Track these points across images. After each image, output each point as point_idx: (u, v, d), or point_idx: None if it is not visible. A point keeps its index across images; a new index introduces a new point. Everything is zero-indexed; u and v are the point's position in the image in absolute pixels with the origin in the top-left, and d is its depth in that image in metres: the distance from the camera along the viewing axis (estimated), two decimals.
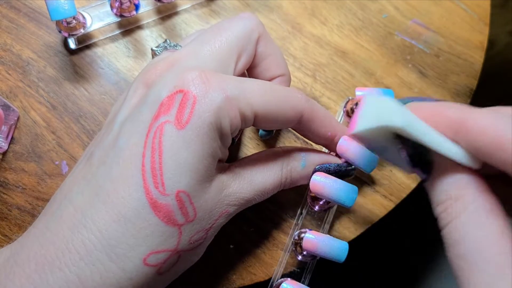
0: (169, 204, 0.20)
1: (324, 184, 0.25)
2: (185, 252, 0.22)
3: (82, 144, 0.29)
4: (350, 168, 0.26)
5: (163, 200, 0.20)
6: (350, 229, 0.29)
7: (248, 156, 0.25)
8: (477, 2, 0.35)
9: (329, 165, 0.26)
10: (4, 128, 0.28)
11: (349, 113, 0.30)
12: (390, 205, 0.30)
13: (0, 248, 0.22)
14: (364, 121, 0.17)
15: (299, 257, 0.27)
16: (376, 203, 0.30)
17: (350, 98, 0.30)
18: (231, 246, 0.28)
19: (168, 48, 0.27)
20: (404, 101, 0.19)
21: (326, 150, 0.28)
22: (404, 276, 0.45)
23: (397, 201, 0.30)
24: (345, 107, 0.30)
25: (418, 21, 0.35)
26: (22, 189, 0.28)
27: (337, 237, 0.29)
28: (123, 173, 0.20)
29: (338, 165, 0.26)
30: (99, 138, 0.23)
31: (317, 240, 0.25)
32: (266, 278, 0.28)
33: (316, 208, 0.28)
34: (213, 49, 0.23)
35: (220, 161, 0.22)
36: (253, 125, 0.23)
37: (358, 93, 0.29)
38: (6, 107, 0.28)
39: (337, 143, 0.25)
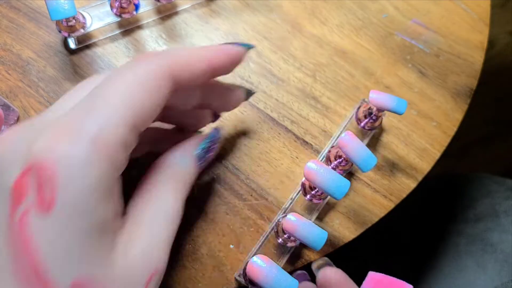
0: None
1: (317, 172, 0.24)
2: None
3: None
4: (216, 133, 0.25)
5: None
6: (350, 229, 0.29)
7: (135, 196, 0.22)
8: (477, 2, 0.35)
9: (203, 145, 0.24)
10: (4, 128, 0.28)
11: (360, 121, 0.30)
12: (390, 205, 0.30)
13: None
14: None
15: (279, 240, 0.28)
16: (376, 203, 0.30)
17: (364, 101, 0.30)
18: (231, 246, 0.28)
19: None
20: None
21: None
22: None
23: (397, 201, 0.30)
24: (357, 111, 0.30)
25: (418, 21, 0.35)
26: None
27: (337, 237, 0.29)
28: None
29: (207, 138, 0.24)
30: None
31: (297, 223, 0.25)
32: None
33: (307, 197, 0.28)
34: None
35: (114, 218, 0.18)
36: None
37: (372, 95, 0.28)
38: (6, 107, 0.28)
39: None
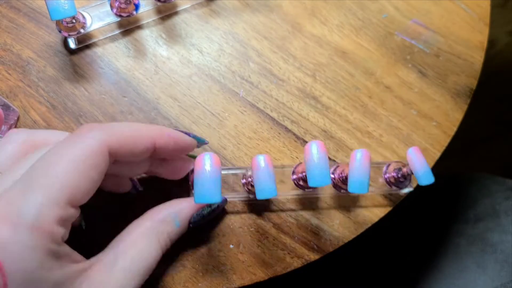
0: None
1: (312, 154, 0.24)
2: None
3: None
4: (221, 204, 0.27)
5: None
6: (350, 229, 0.29)
7: (116, 241, 0.23)
8: (477, 2, 0.35)
9: (202, 212, 0.26)
10: (4, 128, 0.28)
11: (391, 183, 0.29)
12: (390, 205, 0.30)
13: None
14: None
15: (243, 180, 0.28)
16: (376, 203, 0.30)
17: (389, 164, 0.30)
18: (231, 246, 0.28)
19: None
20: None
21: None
22: (404, 276, 0.45)
23: (397, 201, 0.30)
24: (385, 174, 0.30)
25: (418, 21, 0.35)
26: None
27: (337, 237, 0.29)
28: None
29: (209, 207, 0.26)
30: None
31: (262, 168, 0.24)
32: (266, 278, 0.28)
33: (293, 177, 0.28)
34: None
35: (71, 275, 0.20)
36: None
37: (410, 152, 0.27)
38: (6, 107, 0.28)
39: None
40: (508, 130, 0.92)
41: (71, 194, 0.19)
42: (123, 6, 0.30)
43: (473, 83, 0.34)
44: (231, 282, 0.28)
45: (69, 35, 0.29)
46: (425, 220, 0.48)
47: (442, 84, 0.33)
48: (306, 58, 0.33)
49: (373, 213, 0.30)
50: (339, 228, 0.29)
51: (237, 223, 0.29)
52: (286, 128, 0.31)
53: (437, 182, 0.53)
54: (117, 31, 0.32)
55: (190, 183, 0.28)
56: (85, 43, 0.31)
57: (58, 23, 0.29)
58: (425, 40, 0.34)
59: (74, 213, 0.20)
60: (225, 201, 0.28)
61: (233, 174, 0.29)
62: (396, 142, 0.32)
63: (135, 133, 0.22)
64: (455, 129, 0.32)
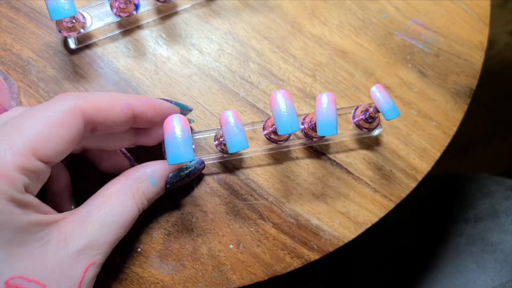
0: None
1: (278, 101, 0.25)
2: None
3: None
4: (198, 167, 0.27)
5: None
6: (350, 229, 0.29)
7: (93, 197, 0.24)
8: (477, 2, 0.35)
9: (178, 173, 0.26)
10: (13, 103, 0.28)
11: (361, 126, 0.30)
12: (390, 205, 0.30)
13: None
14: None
15: (215, 142, 0.28)
16: (376, 203, 0.30)
17: (358, 106, 0.30)
18: (231, 246, 0.28)
19: None
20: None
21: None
22: (404, 276, 0.45)
23: (397, 201, 0.30)
24: (354, 118, 0.30)
25: (418, 21, 0.35)
26: None
27: (337, 237, 0.29)
28: None
29: (186, 168, 0.27)
30: None
31: (230, 123, 0.25)
32: (266, 278, 0.28)
33: (264, 132, 0.29)
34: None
35: (38, 223, 0.21)
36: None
37: (373, 89, 0.28)
38: (8, 82, 0.28)
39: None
40: (508, 130, 0.92)
41: (36, 145, 0.20)
42: (123, 6, 0.30)
43: (473, 83, 0.34)
44: (231, 282, 0.28)
45: (69, 35, 0.29)
46: (425, 219, 0.48)
47: (442, 84, 0.33)
48: (306, 58, 0.33)
49: (373, 213, 0.30)
50: (339, 228, 0.29)
51: (237, 223, 0.29)
52: None
53: (437, 182, 0.53)
54: (117, 31, 0.32)
55: (163, 150, 0.28)
56: (85, 43, 0.31)
57: (58, 23, 0.29)
58: (425, 40, 0.34)
59: (41, 167, 0.20)
60: (202, 163, 0.28)
61: (205, 137, 0.29)
62: (396, 142, 0.32)
63: (110, 99, 0.23)
64: (455, 129, 0.32)
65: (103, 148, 0.26)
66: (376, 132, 0.31)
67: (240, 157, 0.30)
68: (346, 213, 0.30)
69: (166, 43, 0.32)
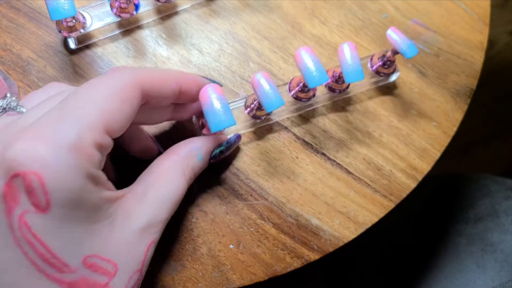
0: (82, 275, 0.19)
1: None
2: None
3: None
4: (236, 138, 0.28)
5: (75, 276, 0.19)
6: (350, 229, 0.29)
7: (144, 174, 0.24)
8: (477, 2, 0.35)
9: (221, 147, 0.27)
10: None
11: (380, 72, 0.32)
12: (390, 205, 0.30)
13: None
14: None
15: (247, 110, 0.29)
16: (376, 203, 0.30)
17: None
18: (231, 246, 0.28)
19: (7, 109, 0.23)
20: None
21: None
22: (404, 276, 0.45)
23: (397, 201, 0.30)
24: (372, 67, 0.32)
25: (418, 21, 0.35)
26: None
27: (337, 237, 0.29)
28: (18, 277, 0.18)
29: (226, 142, 0.28)
30: None
31: (264, 83, 0.25)
32: (266, 278, 0.28)
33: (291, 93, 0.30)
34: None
35: (108, 199, 0.21)
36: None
37: (389, 31, 0.29)
38: (8, 82, 0.29)
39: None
40: (508, 130, 0.92)
41: (107, 121, 0.20)
42: (123, 6, 0.30)
43: (473, 83, 0.34)
44: (231, 282, 0.28)
45: (69, 35, 0.29)
46: (425, 219, 0.48)
47: (442, 84, 0.33)
48: None
49: (373, 213, 0.30)
50: (339, 228, 0.29)
51: (237, 223, 0.29)
52: (286, 128, 0.31)
53: (437, 182, 0.53)
54: (117, 31, 0.32)
55: (197, 126, 0.29)
56: (85, 43, 0.31)
57: (58, 23, 0.29)
58: (425, 40, 0.34)
59: (109, 142, 0.20)
60: (238, 136, 0.28)
61: (235, 108, 0.30)
62: (396, 142, 0.32)
63: (162, 75, 0.23)
64: (455, 129, 0.32)
65: (144, 123, 0.26)
66: (393, 78, 0.32)
67: (269, 122, 0.31)
68: (346, 213, 0.30)
69: (166, 43, 0.32)
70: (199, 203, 0.29)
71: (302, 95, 0.30)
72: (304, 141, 0.31)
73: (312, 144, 0.31)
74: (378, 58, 0.31)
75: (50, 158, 0.18)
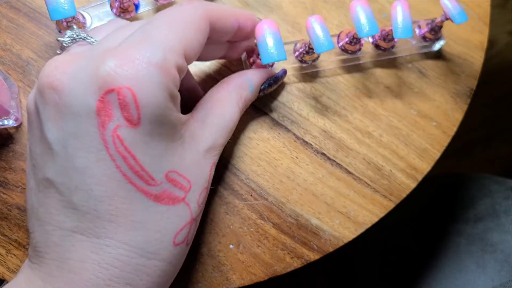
0: (165, 188, 0.21)
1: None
2: (198, 216, 0.24)
3: None
4: (283, 73, 0.30)
5: (159, 189, 0.21)
6: (350, 229, 0.29)
7: (202, 101, 0.26)
8: (477, 2, 0.35)
9: (270, 80, 0.29)
10: (13, 103, 0.28)
11: (426, 37, 0.33)
12: (390, 205, 0.30)
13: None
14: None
15: (295, 53, 0.31)
16: (376, 203, 0.30)
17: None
18: (231, 246, 0.28)
19: (77, 39, 0.24)
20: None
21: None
22: (404, 276, 0.45)
23: (397, 201, 0.30)
24: (420, 32, 0.33)
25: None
26: (22, 189, 0.28)
27: (337, 237, 0.29)
28: (109, 190, 0.20)
29: (275, 76, 0.29)
30: (40, 160, 0.21)
31: (315, 25, 0.27)
32: (266, 278, 0.28)
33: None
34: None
35: (181, 120, 0.23)
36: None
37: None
38: (8, 83, 0.29)
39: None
40: (508, 130, 0.92)
41: (186, 46, 0.21)
42: (126, 4, 0.30)
43: (473, 83, 0.34)
44: (231, 282, 0.28)
45: None
46: (425, 219, 0.48)
47: (442, 84, 0.33)
48: None
49: (373, 213, 0.30)
50: (339, 228, 0.29)
51: (237, 223, 0.29)
52: (286, 128, 0.31)
53: (437, 182, 0.53)
54: None
55: (247, 63, 0.31)
56: None
57: (58, 23, 0.29)
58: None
59: (186, 67, 0.22)
60: (285, 71, 0.30)
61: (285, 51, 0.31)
62: (396, 142, 0.32)
63: (226, 12, 0.25)
64: (455, 129, 0.32)
65: (201, 58, 0.27)
66: (437, 46, 0.33)
67: (316, 69, 0.32)
68: (346, 213, 0.30)
69: None
70: None
71: (349, 47, 0.31)
72: (304, 141, 0.31)
73: (312, 144, 0.31)
74: (427, 24, 0.32)
75: (141, 75, 0.19)
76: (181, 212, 0.22)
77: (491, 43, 0.87)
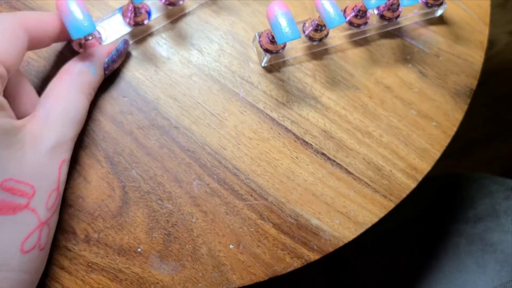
0: (3, 198, 0.21)
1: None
2: (51, 218, 0.23)
3: (82, 143, 0.29)
4: (123, 44, 0.29)
5: None
6: (350, 229, 0.29)
7: (43, 97, 0.25)
8: (477, 2, 0.35)
9: (111, 56, 0.28)
10: None
11: (428, 3, 0.33)
12: (390, 205, 0.30)
13: None
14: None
15: (305, 32, 0.31)
16: (376, 203, 0.30)
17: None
18: (231, 246, 0.28)
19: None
20: None
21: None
22: (404, 276, 0.45)
23: (397, 201, 0.30)
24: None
25: (418, 21, 0.35)
26: None
27: (337, 237, 0.29)
28: None
29: (116, 50, 0.28)
30: None
31: (324, 4, 0.27)
32: (266, 278, 0.28)
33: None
34: None
35: (15, 125, 0.22)
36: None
37: None
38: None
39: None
40: (508, 130, 0.92)
41: (1, 53, 0.21)
42: (137, 14, 0.29)
43: (473, 83, 0.34)
44: (231, 282, 0.28)
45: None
46: (425, 219, 0.48)
47: (442, 84, 0.33)
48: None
49: (373, 213, 0.30)
50: (339, 228, 0.29)
51: (237, 223, 0.29)
52: (286, 128, 0.31)
53: (437, 182, 0.53)
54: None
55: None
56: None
57: (75, 41, 0.28)
58: (425, 40, 0.34)
59: (5, 74, 0.22)
60: (126, 42, 0.29)
61: None
62: (396, 142, 0.32)
63: (41, 16, 0.25)
64: (455, 129, 0.32)
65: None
66: (439, 12, 0.34)
67: (324, 47, 0.33)
68: (346, 213, 0.30)
69: (166, 43, 0.32)
70: (199, 203, 0.29)
71: (356, 20, 0.32)
72: (304, 141, 0.31)
73: (312, 144, 0.31)
74: None
75: None
76: (26, 219, 0.21)
77: (491, 43, 0.87)
